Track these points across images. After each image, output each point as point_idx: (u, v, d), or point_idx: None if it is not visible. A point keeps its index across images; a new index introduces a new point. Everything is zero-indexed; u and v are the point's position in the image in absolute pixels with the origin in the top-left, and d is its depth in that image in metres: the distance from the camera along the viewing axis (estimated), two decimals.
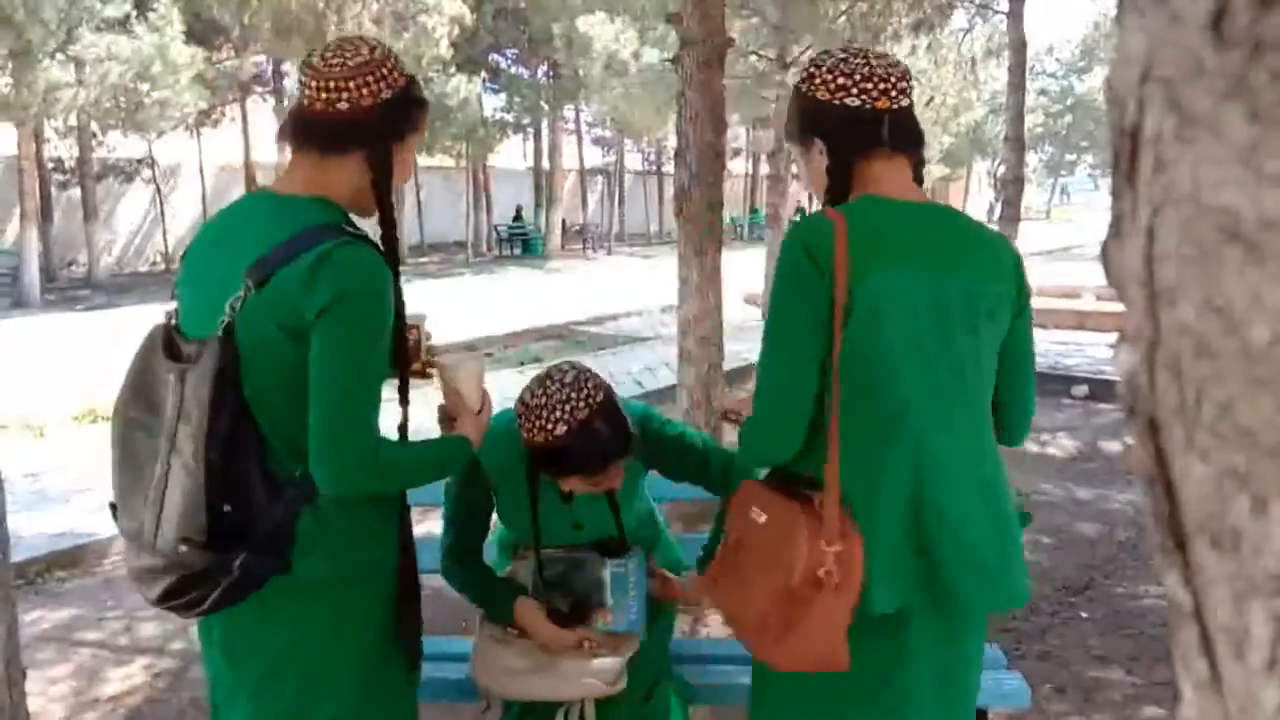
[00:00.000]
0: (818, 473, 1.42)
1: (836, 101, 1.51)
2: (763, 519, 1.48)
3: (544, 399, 1.66)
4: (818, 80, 1.52)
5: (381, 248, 1.48)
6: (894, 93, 1.51)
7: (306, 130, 1.48)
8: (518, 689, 1.85)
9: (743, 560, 1.51)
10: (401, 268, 1.56)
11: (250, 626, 1.47)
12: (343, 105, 1.45)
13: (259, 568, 1.38)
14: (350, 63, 1.45)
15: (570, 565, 1.88)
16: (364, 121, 1.45)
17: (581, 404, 1.65)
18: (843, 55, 1.54)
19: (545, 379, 1.71)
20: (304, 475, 1.41)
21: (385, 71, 1.47)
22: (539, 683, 1.82)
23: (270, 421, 1.39)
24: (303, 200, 1.47)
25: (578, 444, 1.64)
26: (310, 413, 1.37)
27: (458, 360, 1.63)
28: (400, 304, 1.47)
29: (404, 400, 1.55)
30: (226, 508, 1.35)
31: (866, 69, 1.51)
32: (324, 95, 1.44)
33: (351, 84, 1.44)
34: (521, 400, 1.71)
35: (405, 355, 1.54)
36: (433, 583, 1.91)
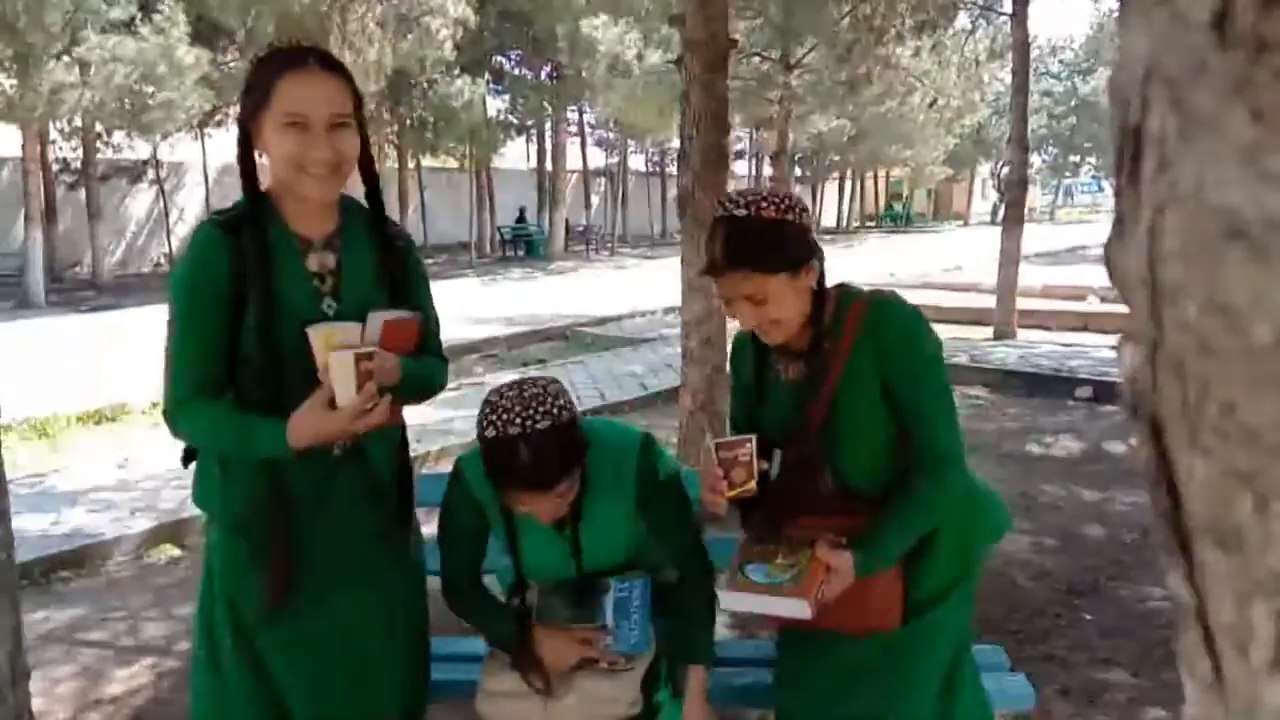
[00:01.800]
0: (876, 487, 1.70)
1: (809, 224, 1.69)
2: None
3: (507, 401, 1.63)
4: (799, 208, 1.67)
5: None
6: None
7: None
8: (528, 716, 1.78)
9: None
10: None
11: None
12: None
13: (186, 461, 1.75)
14: None
15: (574, 591, 1.84)
16: None
17: (539, 416, 1.60)
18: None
19: (520, 383, 1.68)
20: None
21: (250, 62, 1.61)
22: (553, 708, 1.75)
23: None
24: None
25: (517, 450, 1.59)
26: None
27: (340, 327, 1.55)
28: (261, 283, 1.55)
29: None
30: None
31: None
32: None
33: None
34: (487, 397, 1.69)
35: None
36: (437, 582, 1.91)
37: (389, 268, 1.67)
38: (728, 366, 4.54)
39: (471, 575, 1.90)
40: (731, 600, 1.62)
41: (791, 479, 1.71)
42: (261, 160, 1.60)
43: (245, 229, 1.56)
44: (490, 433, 1.61)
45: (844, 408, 1.66)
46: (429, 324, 1.74)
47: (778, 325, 1.65)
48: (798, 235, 1.64)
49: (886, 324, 1.65)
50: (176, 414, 1.57)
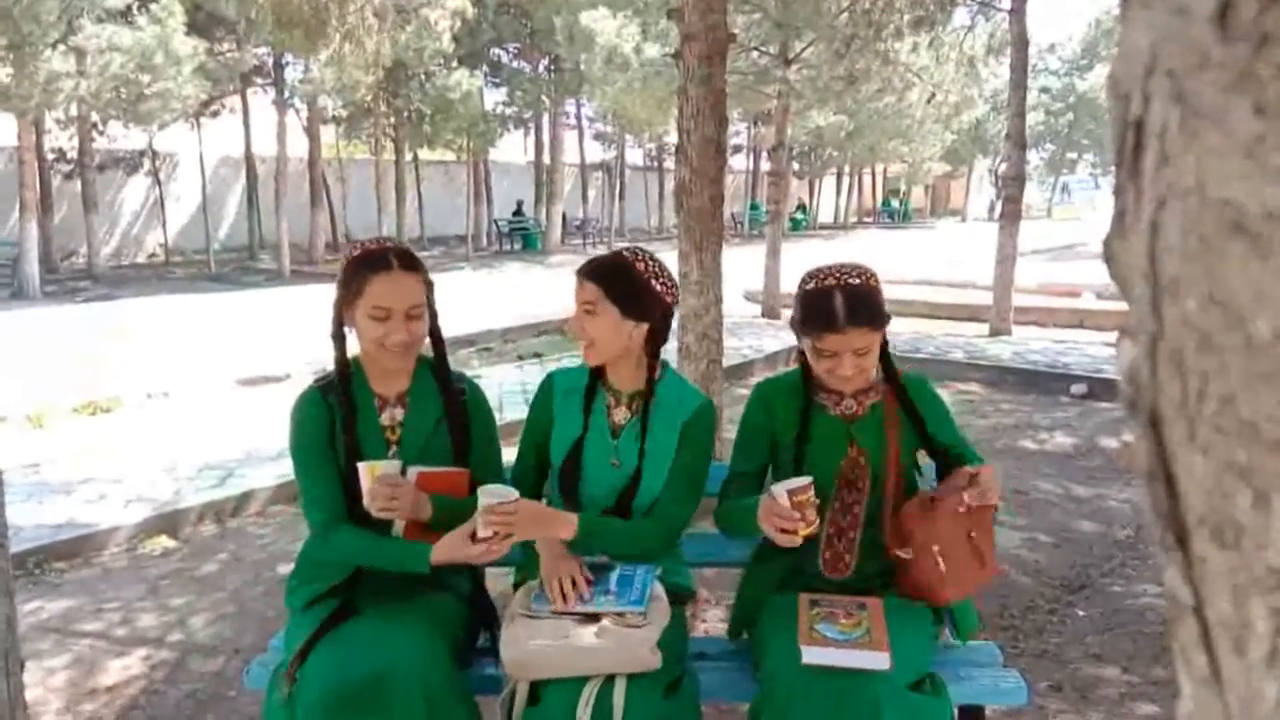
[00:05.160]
0: None
1: None
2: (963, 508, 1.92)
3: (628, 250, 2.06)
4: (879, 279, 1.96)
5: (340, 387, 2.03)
6: None
7: None
8: (550, 663, 1.79)
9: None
10: None
11: None
12: None
13: None
14: None
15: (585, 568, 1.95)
16: None
17: (642, 258, 2.02)
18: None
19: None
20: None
21: (344, 259, 2.08)
22: (574, 652, 1.77)
23: None
24: None
25: (623, 266, 1.99)
26: None
27: (489, 491, 1.84)
28: (349, 440, 1.98)
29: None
30: None
31: None
32: None
33: None
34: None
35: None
36: None
37: (450, 415, 2.07)
38: (724, 362, 4.54)
39: (534, 477, 2.18)
40: (815, 655, 1.75)
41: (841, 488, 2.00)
42: (350, 334, 2.00)
43: (334, 391, 2.00)
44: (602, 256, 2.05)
45: (885, 434, 2.01)
46: (487, 456, 2.14)
47: (865, 373, 1.95)
48: (882, 296, 1.96)
49: (926, 391, 2.09)
50: (326, 538, 1.98)
